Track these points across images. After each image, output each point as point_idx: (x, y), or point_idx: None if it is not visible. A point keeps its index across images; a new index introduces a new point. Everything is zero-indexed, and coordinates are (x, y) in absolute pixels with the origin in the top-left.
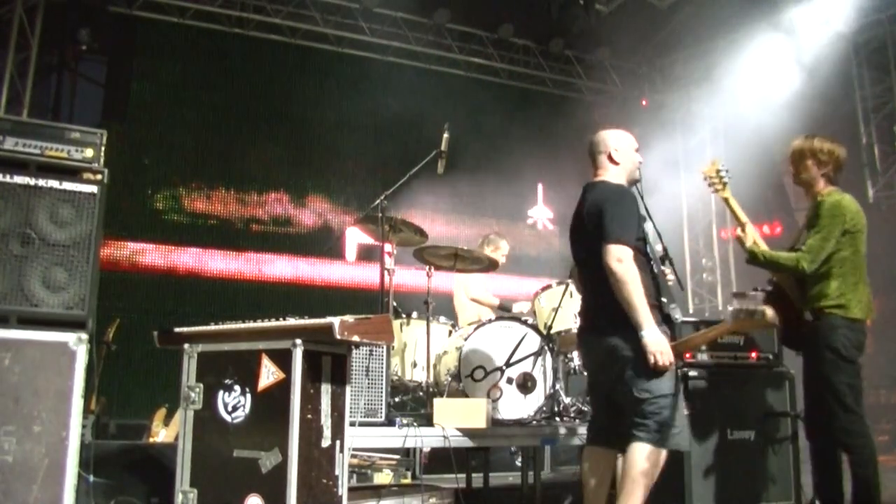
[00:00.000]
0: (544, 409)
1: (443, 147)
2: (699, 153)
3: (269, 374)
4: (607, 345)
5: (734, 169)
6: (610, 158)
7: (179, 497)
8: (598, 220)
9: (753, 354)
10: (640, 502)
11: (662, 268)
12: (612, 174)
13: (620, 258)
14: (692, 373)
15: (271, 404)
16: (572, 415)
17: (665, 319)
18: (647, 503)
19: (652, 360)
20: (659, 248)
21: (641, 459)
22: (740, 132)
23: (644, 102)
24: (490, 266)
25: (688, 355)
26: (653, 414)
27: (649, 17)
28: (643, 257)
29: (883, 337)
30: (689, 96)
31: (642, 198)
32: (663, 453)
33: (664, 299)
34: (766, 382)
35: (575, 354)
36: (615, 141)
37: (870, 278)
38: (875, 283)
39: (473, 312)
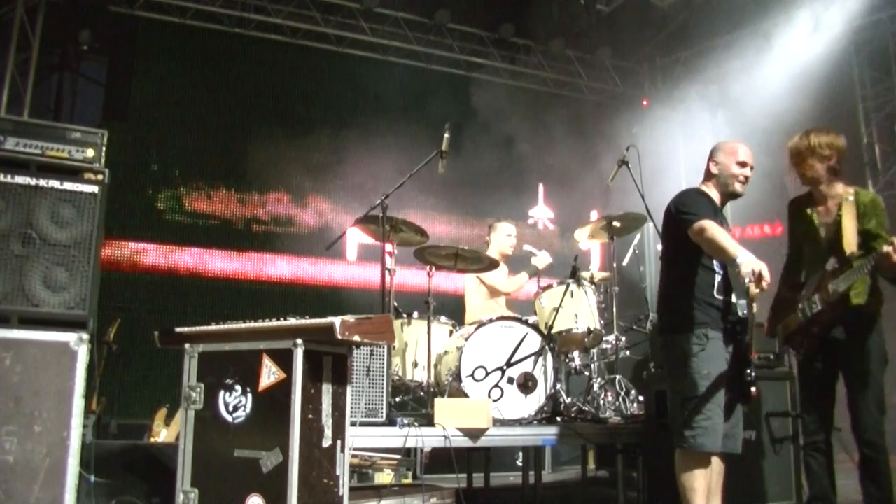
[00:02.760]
0: (545, 409)
1: (443, 147)
2: (700, 153)
3: (269, 373)
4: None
5: None
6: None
7: (180, 497)
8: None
9: (754, 354)
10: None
11: None
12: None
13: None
14: None
15: (272, 404)
16: (573, 415)
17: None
18: None
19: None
20: None
21: (678, 464)
22: (741, 133)
23: (645, 102)
24: (491, 266)
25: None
26: (676, 416)
27: (650, 17)
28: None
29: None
30: (689, 96)
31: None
32: (698, 459)
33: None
34: (769, 382)
35: (576, 354)
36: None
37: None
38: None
39: (482, 313)
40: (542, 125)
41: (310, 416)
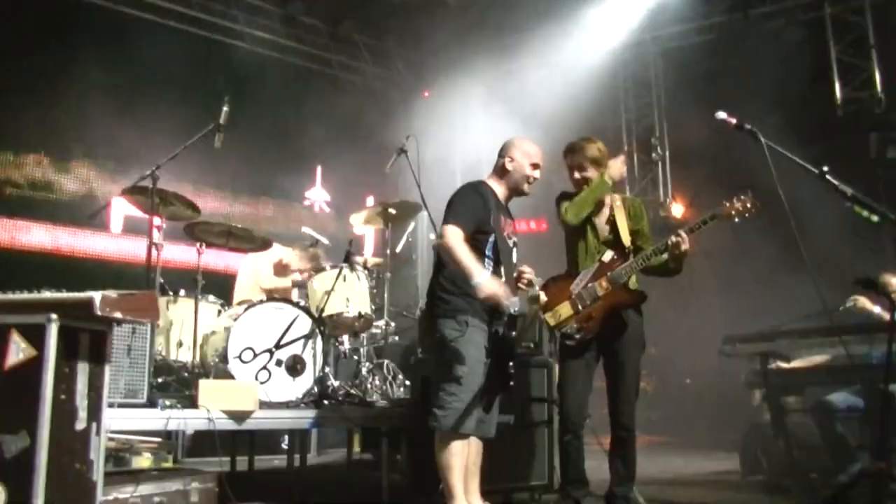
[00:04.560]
0: (313, 392)
1: (221, 120)
2: (476, 148)
3: (18, 350)
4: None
5: None
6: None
7: None
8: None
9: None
10: (453, 489)
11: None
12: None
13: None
14: None
15: (19, 383)
16: (340, 398)
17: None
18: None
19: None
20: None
21: (436, 444)
22: (514, 131)
23: (426, 94)
24: (263, 245)
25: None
26: (434, 398)
27: (439, 11)
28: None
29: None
30: (469, 92)
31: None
32: (454, 440)
33: None
34: (528, 369)
35: (345, 338)
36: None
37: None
38: None
39: (252, 294)
40: (324, 107)
41: (62, 396)
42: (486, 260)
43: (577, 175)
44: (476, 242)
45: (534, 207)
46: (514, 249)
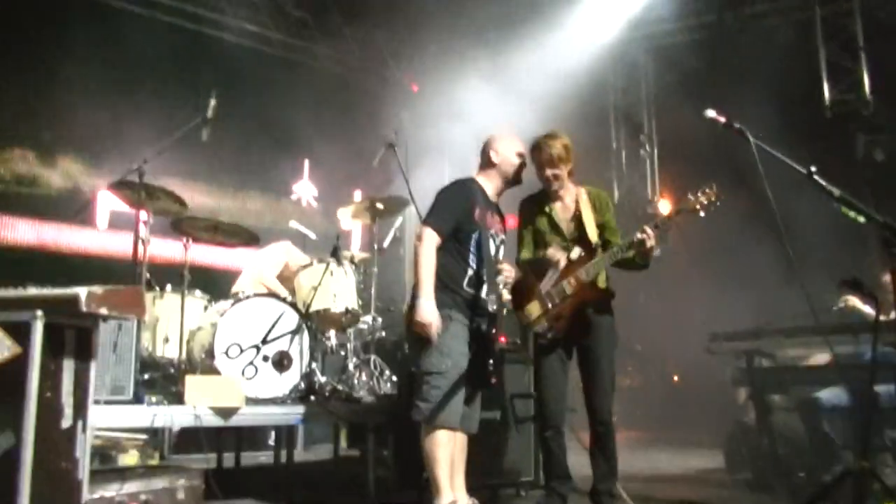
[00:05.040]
0: (300, 387)
1: (209, 114)
2: (462, 143)
3: (3, 348)
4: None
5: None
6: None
7: None
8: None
9: (502, 339)
10: (439, 482)
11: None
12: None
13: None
14: None
15: (4, 381)
16: (327, 394)
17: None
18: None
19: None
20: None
21: (422, 437)
22: (503, 127)
23: (415, 88)
24: (251, 240)
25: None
26: (418, 391)
27: (428, 5)
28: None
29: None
30: (457, 86)
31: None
32: (439, 432)
33: (469, 289)
34: (513, 366)
35: (332, 334)
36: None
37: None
38: (611, 277)
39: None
40: (311, 100)
41: (48, 394)
42: (471, 256)
43: (546, 172)
44: (459, 238)
45: (515, 204)
46: (502, 247)
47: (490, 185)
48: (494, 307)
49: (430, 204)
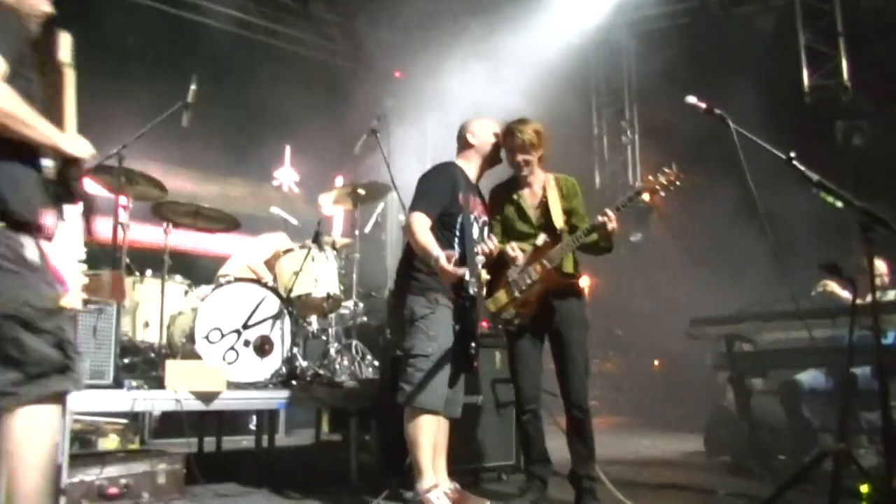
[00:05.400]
0: (281, 372)
1: (189, 99)
2: (447, 129)
3: None
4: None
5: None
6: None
7: None
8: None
9: (484, 323)
10: (422, 465)
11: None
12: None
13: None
14: None
15: None
16: (309, 378)
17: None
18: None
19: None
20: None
21: (406, 420)
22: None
23: (397, 73)
24: (232, 226)
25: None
26: (403, 373)
27: None
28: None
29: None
30: (441, 72)
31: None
32: (423, 417)
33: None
34: (494, 349)
35: (314, 318)
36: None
37: (590, 261)
38: (594, 264)
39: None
40: (293, 86)
41: None
42: (455, 240)
43: (517, 158)
44: (444, 223)
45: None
46: (485, 230)
47: (470, 167)
48: (475, 290)
49: (414, 191)
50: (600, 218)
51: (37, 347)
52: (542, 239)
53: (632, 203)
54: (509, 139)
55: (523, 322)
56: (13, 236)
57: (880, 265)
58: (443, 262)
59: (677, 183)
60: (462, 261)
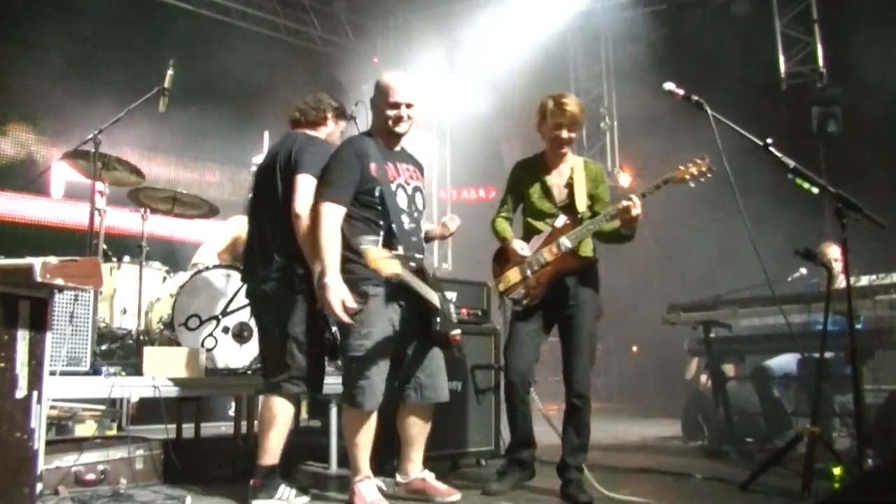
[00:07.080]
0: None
1: (166, 84)
2: (424, 116)
3: None
4: None
5: (458, 136)
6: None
7: None
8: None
9: (464, 310)
10: (357, 461)
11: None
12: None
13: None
14: None
15: None
16: None
17: None
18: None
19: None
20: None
21: (343, 420)
22: (465, 100)
23: (376, 59)
24: (210, 212)
25: None
26: (343, 372)
27: None
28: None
29: None
30: (420, 58)
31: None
32: (359, 416)
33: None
34: (475, 336)
35: None
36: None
37: None
38: None
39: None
40: (271, 71)
41: (1, 364)
42: (379, 216)
43: (562, 133)
44: (362, 202)
45: (483, 175)
46: (418, 195)
47: (380, 137)
48: (420, 257)
49: (320, 174)
50: (624, 202)
51: None
52: (561, 220)
53: (658, 190)
54: (559, 113)
55: (531, 303)
56: None
57: (833, 250)
58: (331, 283)
59: (708, 175)
60: (391, 236)
